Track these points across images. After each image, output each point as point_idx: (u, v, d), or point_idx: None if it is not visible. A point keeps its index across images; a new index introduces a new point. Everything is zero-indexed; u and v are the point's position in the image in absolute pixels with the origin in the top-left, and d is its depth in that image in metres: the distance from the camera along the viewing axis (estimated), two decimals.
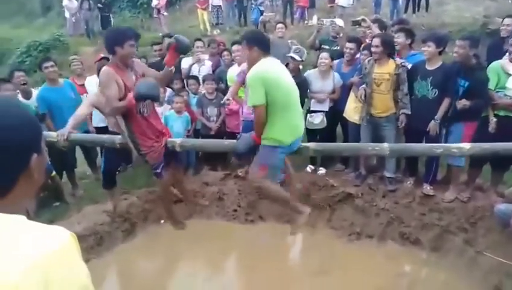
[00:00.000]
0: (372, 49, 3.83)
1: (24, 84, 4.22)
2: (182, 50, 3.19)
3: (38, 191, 0.89)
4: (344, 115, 4.41)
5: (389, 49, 3.83)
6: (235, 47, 4.75)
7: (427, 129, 3.73)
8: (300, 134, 3.09)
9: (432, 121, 3.72)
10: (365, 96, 3.95)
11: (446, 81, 3.68)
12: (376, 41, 3.81)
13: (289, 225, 3.42)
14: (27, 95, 4.25)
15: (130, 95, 2.91)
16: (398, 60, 3.85)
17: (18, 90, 4.13)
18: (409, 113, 3.83)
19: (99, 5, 12.33)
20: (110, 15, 12.83)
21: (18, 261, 0.68)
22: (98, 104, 3.51)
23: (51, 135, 3.75)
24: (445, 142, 3.62)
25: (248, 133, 3.12)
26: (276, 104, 2.85)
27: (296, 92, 3.02)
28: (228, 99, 4.21)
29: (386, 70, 3.83)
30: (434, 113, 3.71)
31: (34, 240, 0.73)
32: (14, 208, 0.77)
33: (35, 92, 4.40)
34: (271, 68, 2.88)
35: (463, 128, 3.69)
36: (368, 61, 3.96)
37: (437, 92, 3.72)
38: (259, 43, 2.90)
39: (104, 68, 2.97)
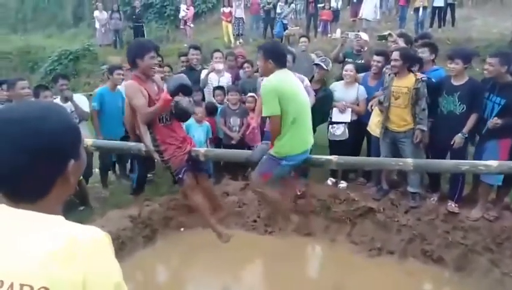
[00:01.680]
0: (392, 63, 3.83)
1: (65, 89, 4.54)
2: (181, 118, 3.26)
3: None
4: (368, 128, 4.38)
5: (409, 63, 3.81)
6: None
7: (452, 142, 3.67)
8: (308, 148, 3.10)
9: (459, 134, 3.65)
10: (381, 106, 3.95)
11: (474, 96, 3.62)
12: (395, 54, 3.80)
13: (309, 238, 3.42)
14: (65, 100, 4.50)
15: (163, 94, 2.99)
16: (419, 75, 3.82)
17: (57, 96, 4.43)
18: (425, 129, 3.79)
19: (134, 16, 12.76)
20: (143, 25, 13.23)
21: (60, 252, 0.74)
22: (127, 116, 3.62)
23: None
24: (479, 159, 3.47)
25: (265, 143, 3.18)
26: (287, 116, 2.88)
27: (307, 105, 3.06)
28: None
29: (404, 84, 3.80)
30: (461, 128, 3.65)
31: (73, 234, 0.77)
32: (48, 212, 0.80)
33: (76, 96, 4.66)
34: (284, 80, 2.92)
35: (498, 145, 3.55)
36: (389, 74, 3.96)
37: (465, 108, 3.66)
38: (274, 57, 2.92)
39: (128, 82, 3.09)
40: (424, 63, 4.06)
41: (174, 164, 3.23)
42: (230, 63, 5.58)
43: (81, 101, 4.73)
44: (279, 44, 3.15)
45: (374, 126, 4.28)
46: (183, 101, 3.16)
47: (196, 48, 5.55)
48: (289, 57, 4.00)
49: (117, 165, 5.19)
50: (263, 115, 2.96)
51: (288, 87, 2.91)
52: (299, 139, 3.00)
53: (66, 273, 0.73)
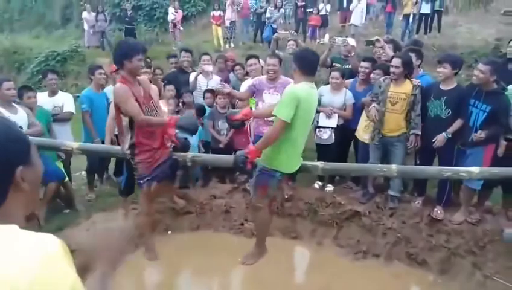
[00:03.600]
0: (392, 69, 3.85)
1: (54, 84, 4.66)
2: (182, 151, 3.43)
3: (36, 202, 0.94)
4: (356, 134, 4.42)
5: (408, 70, 3.87)
6: (251, 61, 4.83)
7: (434, 140, 3.73)
8: (299, 165, 3.17)
9: (443, 133, 3.71)
10: (373, 111, 3.98)
11: (460, 102, 3.69)
12: (396, 61, 3.82)
13: (296, 241, 3.45)
14: (52, 94, 4.60)
15: (171, 120, 3.11)
16: (415, 81, 3.88)
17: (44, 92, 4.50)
18: (419, 133, 3.85)
19: (126, 18, 12.69)
20: (135, 27, 13.16)
21: (9, 266, 0.72)
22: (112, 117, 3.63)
23: (65, 144, 3.88)
24: (464, 165, 3.53)
25: (242, 152, 3.11)
26: (292, 131, 2.90)
27: (309, 128, 3.16)
28: (222, 85, 4.26)
29: (403, 90, 3.85)
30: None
31: (25, 246, 0.77)
32: (8, 220, 0.81)
33: (60, 93, 4.75)
34: (310, 98, 2.95)
35: (483, 151, 3.62)
36: (384, 80, 3.98)
37: (450, 112, 3.73)
38: (303, 64, 2.96)
39: (117, 85, 3.08)
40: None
41: (141, 169, 3.25)
42: (220, 66, 5.59)
43: (67, 98, 4.70)
44: (311, 52, 3.18)
45: (362, 132, 4.33)
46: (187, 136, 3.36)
47: (187, 50, 5.56)
48: (275, 61, 4.07)
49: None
50: (273, 112, 2.92)
51: (309, 107, 2.96)
52: (295, 158, 3.09)
53: None
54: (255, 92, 4.18)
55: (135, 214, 3.94)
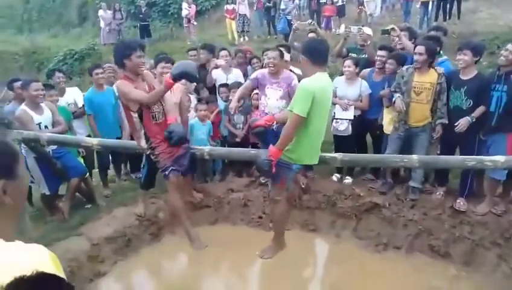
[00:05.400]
0: (415, 57, 3.72)
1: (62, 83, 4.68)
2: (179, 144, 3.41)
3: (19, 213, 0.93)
4: (384, 131, 4.31)
5: (431, 58, 3.73)
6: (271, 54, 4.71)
7: (456, 124, 3.61)
8: (318, 156, 3.15)
9: (467, 117, 3.58)
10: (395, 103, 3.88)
11: (482, 91, 3.56)
12: (420, 49, 3.67)
13: (315, 233, 3.45)
14: (61, 93, 4.61)
15: (166, 78, 3.03)
16: (439, 69, 3.76)
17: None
18: (446, 122, 3.73)
19: (141, 15, 12.80)
20: (150, 24, 13.26)
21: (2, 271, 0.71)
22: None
23: (85, 141, 3.95)
24: (487, 154, 3.42)
25: (264, 151, 3.08)
26: (311, 124, 2.89)
27: (327, 117, 3.11)
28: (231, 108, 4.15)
29: (427, 79, 3.73)
30: (469, 125, 3.59)
31: (17, 255, 0.77)
32: None
33: (68, 90, 4.78)
34: (324, 89, 2.93)
35: (506, 139, 3.49)
36: (407, 69, 3.87)
37: (471, 103, 3.60)
38: (312, 55, 2.92)
39: (118, 82, 3.13)
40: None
41: (162, 160, 3.29)
42: (239, 60, 5.58)
43: (77, 94, 4.78)
44: (321, 42, 3.16)
45: (387, 125, 4.21)
46: (178, 128, 3.29)
47: (204, 47, 5.55)
48: (276, 54, 4.01)
49: (125, 165, 5.22)
50: (289, 108, 2.93)
51: (325, 99, 2.93)
52: (316, 149, 3.07)
53: None
54: (258, 86, 4.12)
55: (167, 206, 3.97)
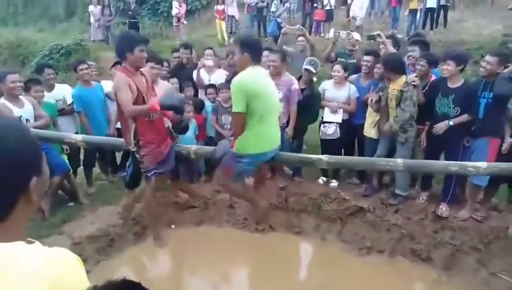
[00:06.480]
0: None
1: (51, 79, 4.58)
2: (180, 133, 3.56)
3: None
4: (364, 133, 4.38)
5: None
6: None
7: (435, 126, 3.74)
8: (275, 145, 3.17)
9: (445, 121, 3.69)
10: (377, 103, 4.06)
11: (469, 99, 3.63)
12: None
13: (300, 236, 3.47)
14: (50, 89, 4.52)
15: (154, 103, 2.99)
16: (410, 77, 3.84)
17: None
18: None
19: (130, 12, 12.66)
20: (139, 21, 13.11)
21: (34, 262, 0.72)
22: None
23: (69, 137, 3.87)
24: (469, 160, 3.49)
25: (227, 140, 3.27)
26: (255, 115, 2.94)
27: (276, 105, 3.17)
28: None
29: (396, 86, 3.89)
30: (454, 131, 3.68)
31: (45, 253, 0.76)
32: (13, 231, 0.77)
33: (58, 86, 4.68)
34: (255, 78, 2.96)
35: (488, 144, 3.58)
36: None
37: (459, 110, 3.68)
38: (251, 50, 2.97)
39: (117, 73, 3.08)
40: (414, 61, 4.13)
41: (147, 162, 3.25)
42: (230, 61, 5.56)
43: (66, 90, 4.70)
44: (258, 40, 3.26)
45: (368, 128, 4.30)
46: (171, 97, 3.17)
47: (187, 47, 5.53)
48: (277, 57, 4.05)
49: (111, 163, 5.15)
50: (233, 111, 3.00)
51: (258, 85, 2.95)
52: (264, 137, 3.07)
53: None
54: None
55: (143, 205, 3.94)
